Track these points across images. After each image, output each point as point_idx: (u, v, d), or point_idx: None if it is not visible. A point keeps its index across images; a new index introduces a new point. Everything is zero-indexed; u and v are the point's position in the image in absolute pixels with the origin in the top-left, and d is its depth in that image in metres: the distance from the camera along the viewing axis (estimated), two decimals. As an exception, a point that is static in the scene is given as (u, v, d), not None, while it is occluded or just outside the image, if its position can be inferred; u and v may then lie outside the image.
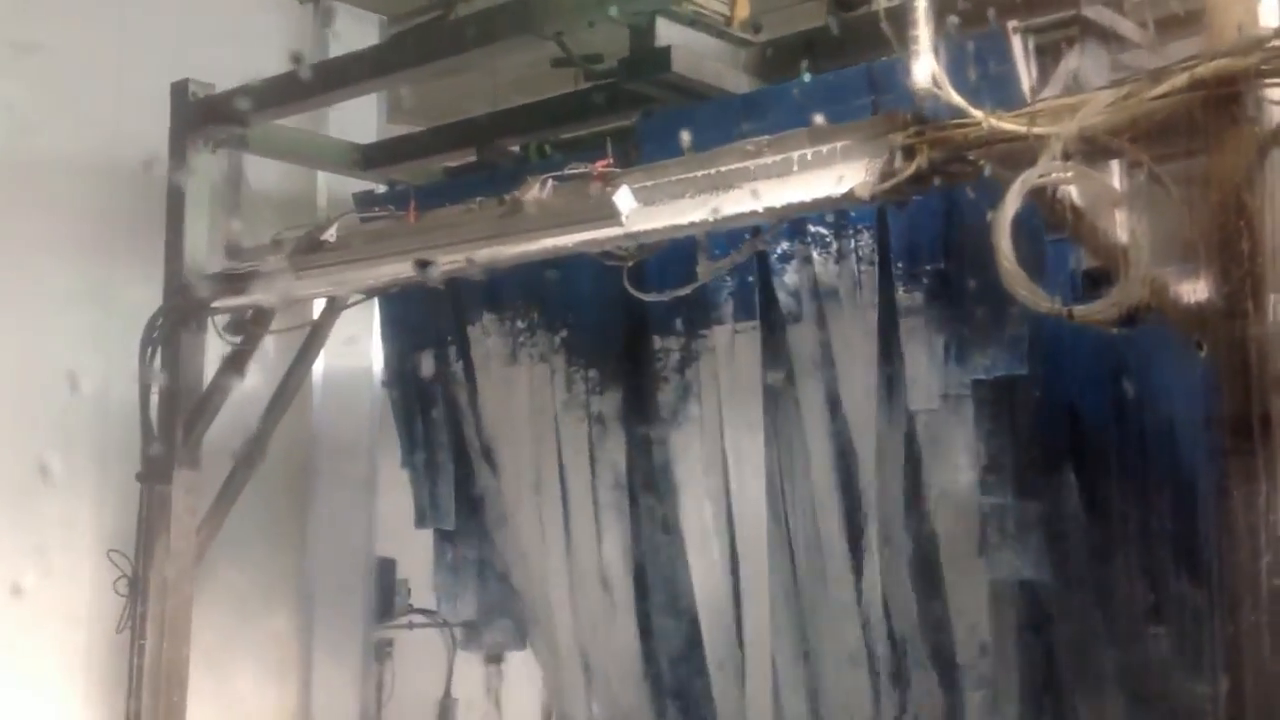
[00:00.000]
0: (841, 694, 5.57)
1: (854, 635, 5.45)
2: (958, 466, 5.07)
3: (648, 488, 6.14)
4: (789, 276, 5.46)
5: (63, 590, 7.01)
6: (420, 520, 7.04)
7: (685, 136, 4.76)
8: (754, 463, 5.64)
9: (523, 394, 6.49)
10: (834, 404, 5.41)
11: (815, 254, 5.36)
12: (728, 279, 5.57)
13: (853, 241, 5.26)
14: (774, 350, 5.56)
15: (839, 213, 5.21)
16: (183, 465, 6.70)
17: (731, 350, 5.67)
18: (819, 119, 4.44)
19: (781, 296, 5.48)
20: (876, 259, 5.20)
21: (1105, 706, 4.99)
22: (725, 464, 5.73)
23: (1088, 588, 4.97)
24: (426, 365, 6.92)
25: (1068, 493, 4.96)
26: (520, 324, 6.49)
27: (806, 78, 5.16)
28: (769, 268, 5.50)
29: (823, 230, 5.34)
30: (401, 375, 7.09)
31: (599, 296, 6.13)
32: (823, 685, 5.66)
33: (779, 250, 5.46)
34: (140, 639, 6.63)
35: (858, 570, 5.41)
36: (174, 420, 6.71)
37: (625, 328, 6.10)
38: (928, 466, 5.16)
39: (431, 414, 6.95)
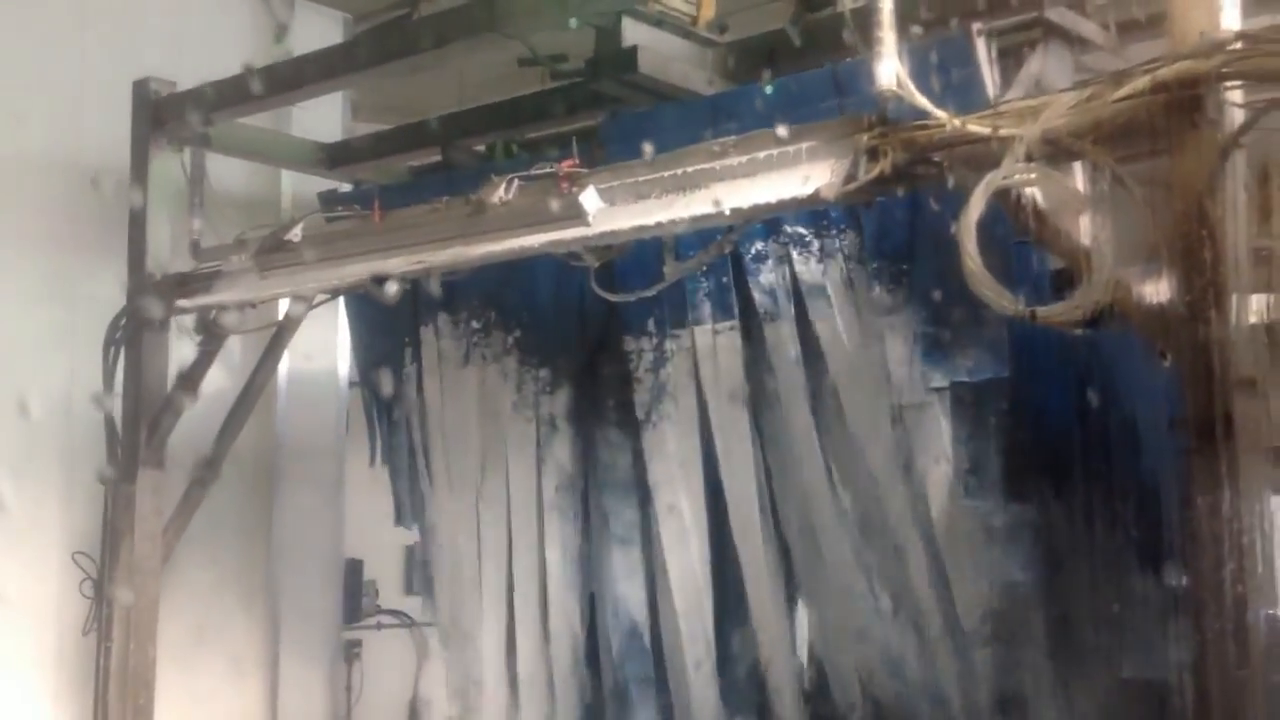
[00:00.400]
0: (850, 668, 5.60)
1: (860, 613, 5.47)
2: (944, 458, 5.07)
3: (612, 488, 6.11)
4: (767, 276, 5.46)
5: (29, 592, 6.96)
6: (399, 518, 7.04)
7: (648, 148, 4.75)
8: (742, 459, 5.62)
9: (474, 395, 6.48)
10: (830, 398, 5.40)
11: (795, 253, 5.36)
12: (702, 279, 5.56)
13: (838, 241, 5.27)
14: (760, 349, 5.54)
15: (820, 213, 5.22)
16: (147, 466, 6.65)
17: (713, 350, 5.65)
18: (784, 121, 4.45)
19: (761, 296, 5.48)
20: (864, 258, 5.22)
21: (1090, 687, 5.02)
22: (710, 461, 5.72)
23: (1068, 590, 4.99)
24: (390, 364, 6.90)
25: (1047, 493, 4.98)
26: (475, 324, 6.47)
27: (769, 90, 5.14)
28: (744, 268, 5.50)
29: (802, 230, 5.35)
30: (367, 374, 7.07)
31: (559, 297, 6.12)
32: (833, 661, 5.69)
33: (755, 250, 5.46)
34: (106, 641, 6.58)
35: (861, 556, 5.42)
36: (138, 421, 6.66)
37: (590, 328, 6.08)
38: (918, 457, 5.16)
39: (394, 415, 6.94)
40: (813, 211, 5.21)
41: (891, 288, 5.14)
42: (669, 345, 5.80)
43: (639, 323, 5.86)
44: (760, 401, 5.62)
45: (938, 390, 5.06)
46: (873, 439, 5.28)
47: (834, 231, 5.29)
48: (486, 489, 6.44)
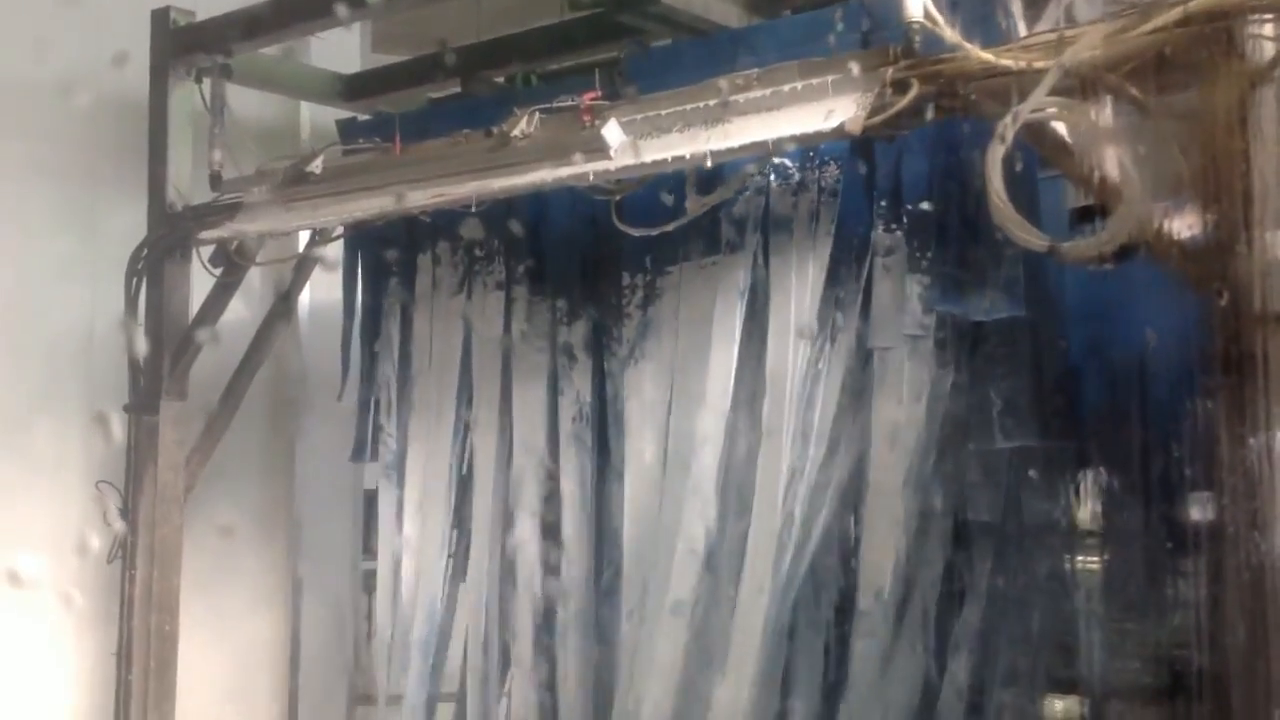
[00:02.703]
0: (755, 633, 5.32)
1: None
2: (914, 402, 4.98)
3: (603, 424, 6.00)
4: (740, 208, 5.35)
5: (52, 520, 7.02)
6: (357, 453, 6.97)
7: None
8: (700, 399, 5.46)
9: (474, 324, 6.39)
10: (770, 338, 5.29)
11: (776, 185, 5.26)
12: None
13: (817, 173, 5.16)
14: (730, 284, 5.40)
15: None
16: (170, 396, 6.70)
17: (694, 286, 5.53)
18: (810, 55, 4.43)
19: (728, 227, 5.38)
20: (840, 190, 5.11)
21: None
22: (673, 401, 5.60)
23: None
24: (378, 294, 6.86)
25: (1072, 431, 4.95)
26: (478, 252, 6.39)
27: (795, 23, 5.06)
28: (726, 201, 5.37)
29: (787, 163, 5.23)
30: (355, 306, 7.00)
31: (572, 227, 6.05)
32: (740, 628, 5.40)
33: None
34: (131, 569, 6.66)
35: (788, 507, 5.22)
36: (160, 352, 6.70)
37: (603, 259, 6.00)
38: (876, 404, 5.07)
39: (375, 346, 6.84)
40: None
41: (893, 227, 5.03)
42: (660, 282, 5.70)
43: (638, 258, 5.74)
44: (722, 344, 5.45)
45: (915, 336, 4.98)
46: (784, 385, 5.16)
47: (818, 164, 5.17)
48: (480, 419, 6.34)
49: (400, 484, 6.65)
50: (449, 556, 6.53)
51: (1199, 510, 3.67)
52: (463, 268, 6.39)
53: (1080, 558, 5.12)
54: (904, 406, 5.00)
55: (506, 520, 6.28)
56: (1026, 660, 5.07)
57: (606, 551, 5.97)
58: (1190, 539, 4.06)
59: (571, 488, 6.03)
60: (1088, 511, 5.09)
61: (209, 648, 7.19)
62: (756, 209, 5.33)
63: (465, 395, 6.44)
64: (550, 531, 6.12)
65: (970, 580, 5.10)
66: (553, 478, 6.12)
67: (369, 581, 8.68)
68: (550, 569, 6.10)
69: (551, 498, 6.12)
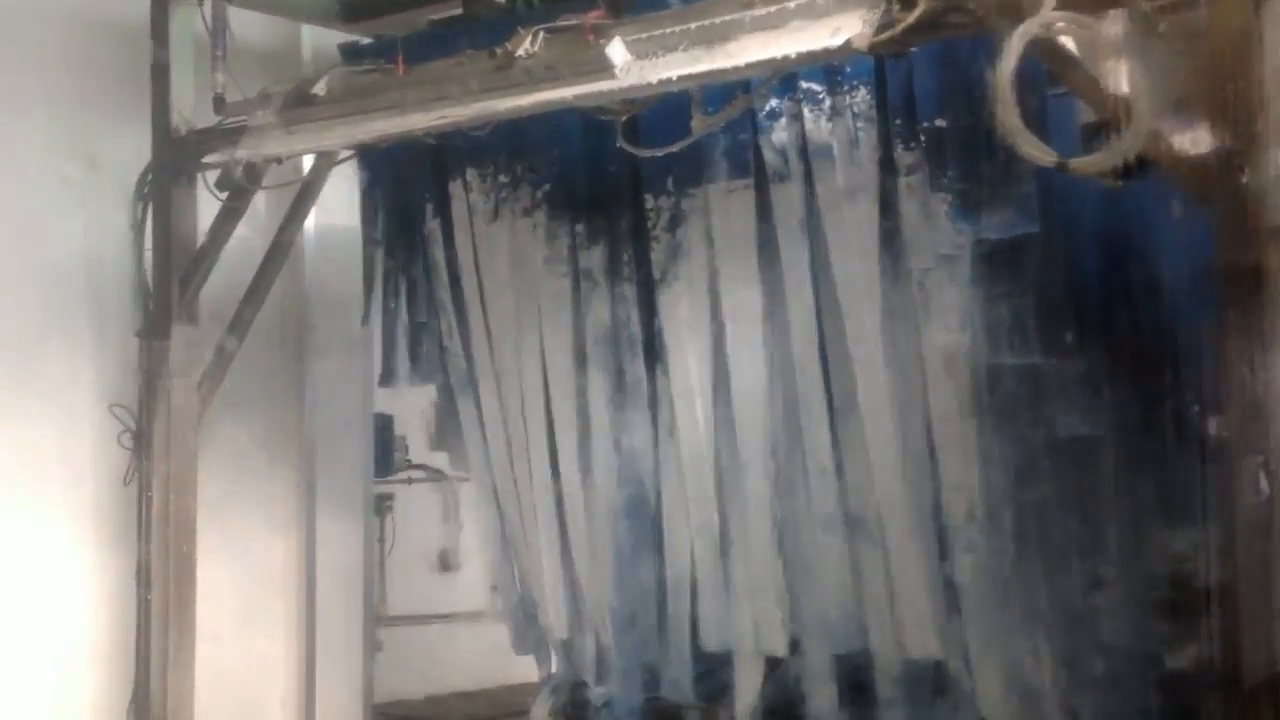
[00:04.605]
0: (816, 560, 5.62)
1: (830, 500, 5.51)
2: (956, 326, 5.07)
3: (628, 345, 6.11)
4: (779, 134, 5.41)
5: (67, 444, 7.07)
6: (387, 378, 7.05)
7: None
8: (749, 324, 5.63)
9: (505, 250, 6.45)
10: (823, 263, 5.39)
11: (807, 111, 5.30)
12: (720, 136, 5.49)
13: (848, 98, 5.19)
14: (769, 212, 5.52)
15: (832, 68, 5.15)
16: (180, 321, 6.72)
17: (726, 210, 5.61)
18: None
19: (772, 155, 5.43)
20: (875, 115, 5.15)
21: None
22: (719, 325, 5.72)
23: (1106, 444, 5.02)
24: (406, 221, 6.86)
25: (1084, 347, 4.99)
26: (503, 179, 6.41)
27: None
28: (757, 126, 5.44)
29: (816, 87, 5.27)
30: (382, 231, 7.03)
31: (588, 151, 6.05)
32: (798, 552, 5.70)
33: (770, 107, 5.39)
34: (148, 492, 6.73)
35: (835, 435, 5.44)
36: (170, 276, 6.72)
37: (619, 182, 6.02)
38: (925, 326, 5.17)
39: (412, 272, 6.92)
40: (827, 67, 5.16)
41: (911, 146, 5.08)
42: (685, 204, 5.76)
43: (659, 180, 5.80)
44: (766, 267, 5.59)
45: (955, 257, 5.02)
46: (858, 310, 5.27)
47: (846, 88, 5.21)
48: (525, 342, 6.41)
49: (477, 403, 6.69)
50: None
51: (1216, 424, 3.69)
52: (494, 194, 6.38)
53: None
54: (950, 328, 5.08)
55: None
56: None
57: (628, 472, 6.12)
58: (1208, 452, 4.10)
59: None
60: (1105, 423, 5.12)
61: (226, 569, 7.26)
62: (796, 135, 5.37)
63: (517, 320, 6.49)
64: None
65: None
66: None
67: (382, 504, 8.79)
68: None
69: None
